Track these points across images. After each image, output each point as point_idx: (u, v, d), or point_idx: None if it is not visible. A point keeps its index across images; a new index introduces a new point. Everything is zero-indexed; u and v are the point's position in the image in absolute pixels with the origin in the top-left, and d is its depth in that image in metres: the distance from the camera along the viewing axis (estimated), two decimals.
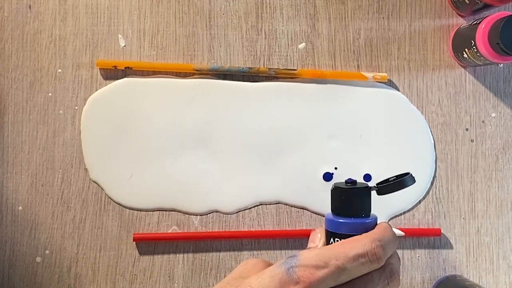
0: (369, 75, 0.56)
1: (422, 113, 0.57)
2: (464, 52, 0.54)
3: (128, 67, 0.56)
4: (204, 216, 0.56)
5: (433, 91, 0.57)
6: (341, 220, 0.41)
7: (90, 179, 0.56)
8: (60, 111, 0.56)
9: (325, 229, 0.42)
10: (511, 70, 0.58)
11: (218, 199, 0.56)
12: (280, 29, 0.57)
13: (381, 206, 0.56)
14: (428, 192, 0.57)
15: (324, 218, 0.44)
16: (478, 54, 0.52)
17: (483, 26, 0.51)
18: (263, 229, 0.56)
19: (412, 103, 0.57)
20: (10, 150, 0.56)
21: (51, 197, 0.56)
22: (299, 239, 0.56)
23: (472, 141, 0.57)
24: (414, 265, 0.56)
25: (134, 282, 0.55)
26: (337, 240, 0.40)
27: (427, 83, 0.57)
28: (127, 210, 0.56)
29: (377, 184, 0.42)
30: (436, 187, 0.57)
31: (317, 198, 0.56)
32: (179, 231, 0.56)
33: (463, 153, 0.57)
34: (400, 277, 0.41)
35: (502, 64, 0.58)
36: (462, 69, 0.58)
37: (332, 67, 0.57)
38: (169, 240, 0.55)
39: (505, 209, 0.57)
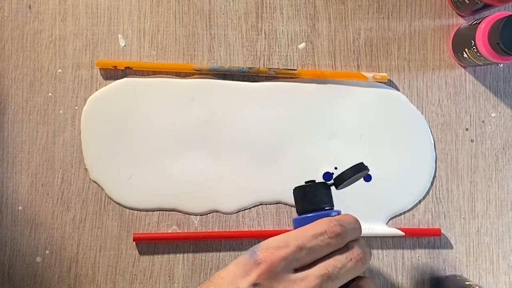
0: (369, 75, 0.56)
1: (422, 113, 0.57)
2: (464, 52, 0.54)
3: (128, 67, 0.56)
4: (204, 216, 0.56)
5: (433, 91, 0.57)
6: (304, 216, 0.43)
7: (90, 179, 0.56)
8: (60, 111, 0.56)
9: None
10: (511, 70, 0.58)
11: (218, 199, 0.56)
12: (280, 29, 0.57)
13: (381, 206, 0.56)
14: (428, 192, 0.57)
15: None
16: (478, 54, 0.52)
17: (483, 26, 0.51)
18: (263, 229, 0.56)
19: (412, 103, 0.57)
20: (10, 150, 0.56)
21: (51, 197, 0.56)
22: None
23: (472, 141, 0.57)
24: (414, 265, 0.56)
25: (134, 282, 0.55)
26: None
27: (427, 83, 0.57)
28: (127, 210, 0.56)
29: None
30: (436, 187, 0.57)
31: None
32: (179, 231, 0.56)
33: (463, 153, 0.57)
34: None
35: (502, 64, 0.58)
36: (462, 69, 0.58)
37: (332, 67, 0.57)
38: (169, 240, 0.55)
39: (505, 209, 0.57)
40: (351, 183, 0.45)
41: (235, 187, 0.56)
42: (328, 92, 0.57)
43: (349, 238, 0.41)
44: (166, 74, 0.57)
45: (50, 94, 0.56)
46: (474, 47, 0.52)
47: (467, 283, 0.52)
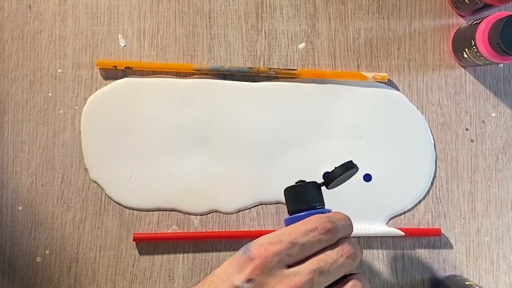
0: (369, 75, 0.56)
1: (422, 113, 0.57)
2: (464, 52, 0.54)
3: (128, 67, 0.56)
4: (204, 216, 0.56)
5: (433, 91, 0.57)
6: (295, 215, 0.43)
7: (90, 179, 0.56)
8: (60, 111, 0.56)
9: None
10: (511, 70, 0.58)
11: (218, 199, 0.56)
12: (280, 29, 0.57)
13: (381, 206, 0.56)
14: (428, 192, 0.57)
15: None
16: (478, 54, 0.52)
17: (483, 26, 0.51)
18: (263, 229, 0.56)
19: (412, 103, 0.57)
20: (10, 150, 0.56)
21: (51, 197, 0.56)
22: None
23: (472, 141, 0.57)
24: (414, 265, 0.56)
25: (134, 282, 0.55)
26: None
27: (427, 83, 0.57)
28: (127, 210, 0.56)
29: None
30: (436, 187, 0.57)
31: None
32: (179, 231, 0.56)
33: (463, 153, 0.57)
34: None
35: (502, 64, 0.58)
36: (462, 69, 0.58)
37: (332, 67, 0.57)
38: (169, 240, 0.55)
39: (505, 209, 0.57)
40: (342, 182, 0.45)
41: (235, 187, 0.56)
42: (328, 92, 0.57)
43: (340, 235, 0.41)
44: (166, 74, 0.57)
45: (50, 94, 0.56)
46: (474, 47, 0.52)
47: (467, 283, 0.52)
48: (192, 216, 0.56)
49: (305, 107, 0.57)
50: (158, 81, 0.56)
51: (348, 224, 0.42)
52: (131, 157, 0.56)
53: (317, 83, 0.57)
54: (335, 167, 0.44)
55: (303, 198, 0.43)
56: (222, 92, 0.56)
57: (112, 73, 0.56)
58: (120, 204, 0.56)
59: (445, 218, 0.57)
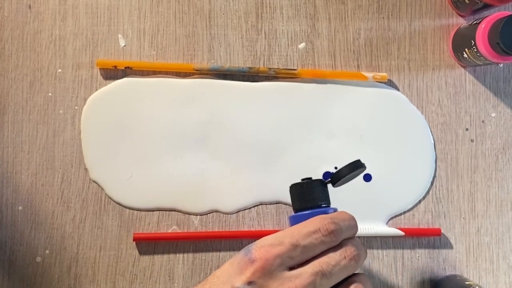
0: (369, 75, 0.56)
1: (422, 113, 0.57)
2: (464, 52, 0.54)
3: (128, 67, 0.56)
4: (204, 216, 0.56)
5: (433, 91, 0.57)
6: (300, 213, 0.42)
7: (90, 179, 0.56)
8: (60, 111, 0.56)
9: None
10: (511, 70, 0.58)
11: (218, 199, 0.56)
12: (280, 29, 0.57)
13: (381, 206, 0.56)
14: (428, 192, 0.57)
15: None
16: (478, 54, 0.52)
17: (483, 26, 0.51)
18: (263, 229, 0.56)
19: (412, 103, 0.57)
20: (10, 150, 0.56)
21: (51, 197, 0.56)
22: None
23: (472, 141, 0.57)
24: (414, 265, 0.56)
25: (134, 282, 0.55)
26: None
27: (427, 83, 0.57)
28: (127, 210, 0.56)
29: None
30: (436, 187, 0.57)
31: None
32: (179, 231, 0.56)
33: (463, 153, 0.57)
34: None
35: (502, 64, 0.58)
36: (462, 69, 0.58)
37: (332, 67, 0.57)
38: (169, 240, 0.55)
39: (505, 209, 0.57)
40: (348, 181, 0.44)
41: (235, 187, 0.56)
42: (328, 92, 0.57)
43: (344, 236, 0.40)
44: (166, 74, 0.57)
45: (50, 94, 0.56)
46: (474, 47, 0.52)
47: (467, 283, 0.52)
48: (192, 216, 0.56)
49: (305, 107, 0.57)
50: (158, 81, 0.56)
51: (352, 224, 0.42)
52: (131, 157, 0.56)
53: (317, 83, 0.57)
54: (343, 166, 0.43)
55: (309, 196, 0.43)
56: (222, 92, 0.56)
57: (112, 73, 0.56)
58: (120, 204, 0.56)
59: (445, 218, 0.57)
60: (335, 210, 0.43)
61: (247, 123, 0.56)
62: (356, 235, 0.47)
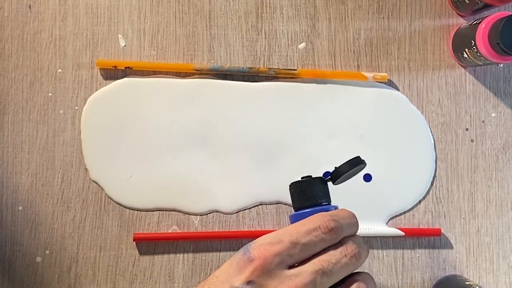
0: (369, 75, 0.56)
1: (422, 113, 0.57)
2: (464, 52, 0.54)
3: (128, 67, 0.56)
4: (204, 216, 0.56)
5: (433, 91, 0.57)
6: (301, 212, 0.42)
7: (90, 179, 0.56)
8: (60, 111, 0.56)
9: None
10: (511, 70, 0.58)
11: (218, 199, 0.56)
12: (280, 29, 0.57)
13: (381, 206, 0.56)
14: (428, 192, 0.57)
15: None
16: (478, 54, 0.52)
17: (483, 26, 0.51)
18: (263, 229, 0.56)
19: (412, 103, 0.57)
20: (10, 150, 0.56)
21: (51, 197, 0.56)
22: None
23: (472, 141, 0.57)
24: (414, 265, 0.56)
25: (134, 282, 0.55)
26: None
27: (427, 83, 0.57)
28: (127, 210, 0.56)
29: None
30: (436, 187, 0.57)
31: None
32: (179, 231, 0.56)
33: (463, 153, 0.57)
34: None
35: (502, 64, 0.58)
36: (462, 69, 0.58)
37: (332, 67, 0.57)
38: (169, 240, 0.55)
39: (505, 209, 0.57)
40: (349, 178, 0.44)
41: (235, 187, 0.56)
42: (328, 92, 0.57)
43: (344, 234, 0.40)
44: (166, 74, 0.57)
45: (50, 94, 0.56)
46: (474, 47, 0.52)
47: (467, 283, 0.52)
48: (192, 216, 0.56)
49: (305, 107, 0.57)
50: (158, 81, 0.56)
51: (353, 222, 0.41)
52: (131, 157, 0.56)
53: (317, 83, 0.57)
54: (343, 163, 0.42)
55: (309, 194, 0.42)
56: (222, 92, 0.56)
57: (112, 73, 0.56)
58: (120, 204, 0.56)
59: (445, 218, 0.57)
60: (336, 208, 0.43)
61: (247, 123, 0.56)
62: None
